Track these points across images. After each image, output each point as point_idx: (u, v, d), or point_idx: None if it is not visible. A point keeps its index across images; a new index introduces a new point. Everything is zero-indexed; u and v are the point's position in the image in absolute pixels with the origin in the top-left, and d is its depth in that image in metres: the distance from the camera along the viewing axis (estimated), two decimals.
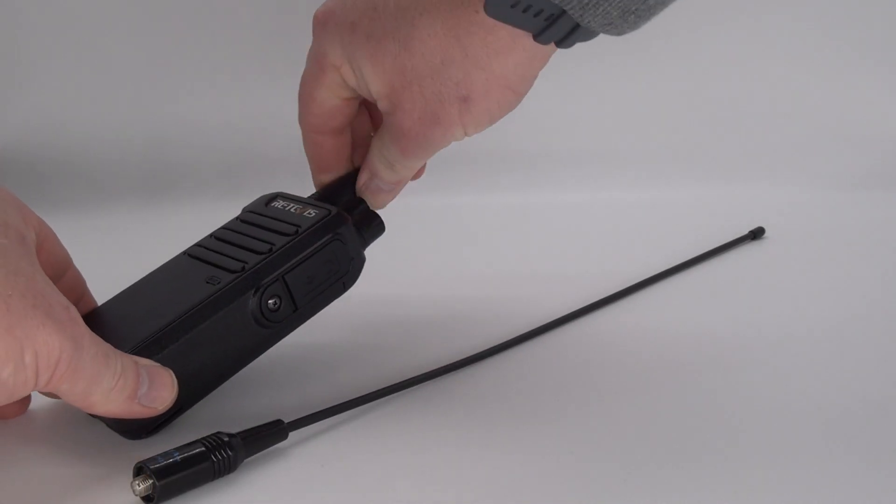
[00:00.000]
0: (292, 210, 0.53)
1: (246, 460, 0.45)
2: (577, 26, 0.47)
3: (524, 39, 0.48)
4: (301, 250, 0.51)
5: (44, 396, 0.51)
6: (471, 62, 0.49)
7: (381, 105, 0.52)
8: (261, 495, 0.44)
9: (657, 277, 0.68)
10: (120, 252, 0.78)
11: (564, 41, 0.48)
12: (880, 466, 0.45)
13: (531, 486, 0.44)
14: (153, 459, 0.42)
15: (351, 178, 0.56)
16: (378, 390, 0.52)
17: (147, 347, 0.46)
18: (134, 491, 0.42)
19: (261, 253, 0.50)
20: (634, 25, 0.47)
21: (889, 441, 0.48)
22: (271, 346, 0.51)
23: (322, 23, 0.53)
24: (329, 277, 0.52)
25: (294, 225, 0.52)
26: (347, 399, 0.50)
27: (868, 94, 0.90)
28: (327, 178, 0.57)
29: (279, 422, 0.47)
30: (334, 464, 0.46)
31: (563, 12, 0.46)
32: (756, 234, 0.76)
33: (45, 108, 0.91)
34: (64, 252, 0.52)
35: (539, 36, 0.47)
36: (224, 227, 0.54)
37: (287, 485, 0.45)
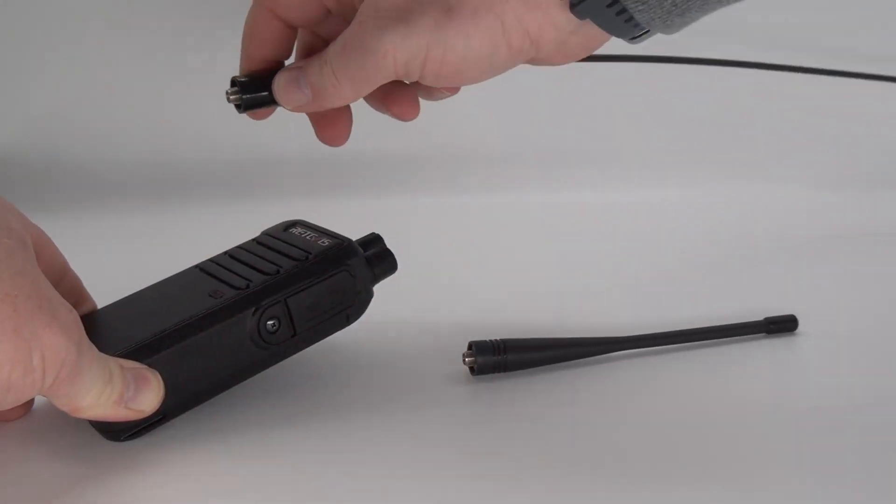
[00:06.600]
0: (308, 237, 0.54)
1: None
2: None
3: None
4: (307, 276, 0.51)
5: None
6: None
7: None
8: None
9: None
10: (126, 255, 0.79)
11: (582, 4, 0.46)
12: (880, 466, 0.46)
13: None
14: None
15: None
16: None
17: (138, 351, 0.47)
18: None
19: (267, 274, 0.51)
20: (667, 18, 0.46)
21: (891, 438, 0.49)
22: (266, 368, 0.52)
23: None
24: (333, 307, 0.52)
25: (305, 251, 0.53)
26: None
27: (867, 94, 0.88)
28: (255, 66, 0.52)
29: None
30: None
31: None
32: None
33: (49, 110, 0.91)
34: (61, 258, 0.52)
35: None
36: (239, 247, 0.55)
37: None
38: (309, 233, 0.55)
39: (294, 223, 0.57)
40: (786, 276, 0.71)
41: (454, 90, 0.52)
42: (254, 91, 0.51)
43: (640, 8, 0.46)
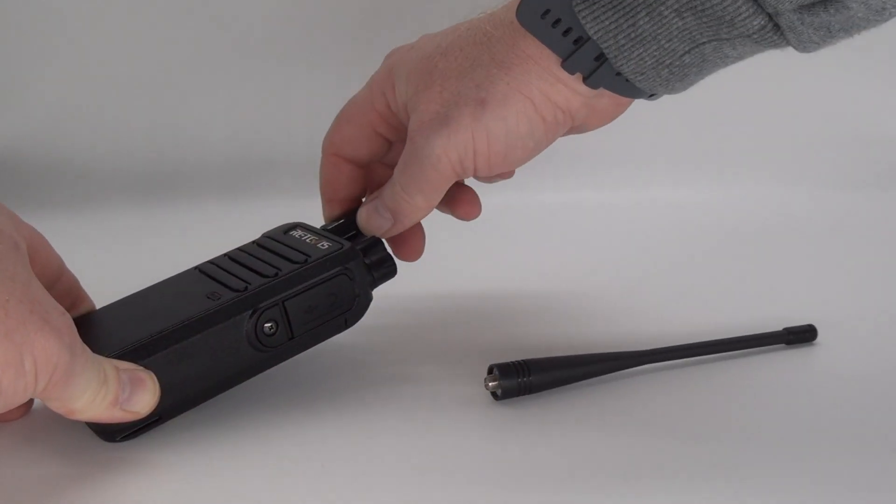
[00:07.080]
0: (307, 240, 0.54)
1: None
2: (603, 59, 0.48)
3: (552, 63, 0.50)
4: (306, 279, 0.51)
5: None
6: (496, 64, 0.50)
7: (410, 118, 0.53)
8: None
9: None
10: (125, 256, 0.79)
11: (592, 77, 0.50)
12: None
13: None
14: None
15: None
16: None
17: (134, 352, 0.47)
18: None
19: (266, 276, 0.51)
20: (667, 84, 0.49)
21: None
22: (263, 370, 0.52)
23: (390, 54, 0.56)
24: (331, 311, 0.52)
25: (304, 254, 0.53)
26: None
27: (868, 94, 0.90)
28: (336, 209, 0.58)
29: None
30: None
31: (590, 38, 0.48)
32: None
33: (44, 111, 0.91)
34: (57, 258, 0.52)
35: (566, 61, 0.49)
36: (238, 249, 0.55)
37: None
38: (309, 235, 0.55)
39: (294, 226, 0.57)
40: (802, 281, 0.71)
41: (509, 174, 0.57)
42: (343, 233, 0.56)
43: (640, 78, 0.49)
